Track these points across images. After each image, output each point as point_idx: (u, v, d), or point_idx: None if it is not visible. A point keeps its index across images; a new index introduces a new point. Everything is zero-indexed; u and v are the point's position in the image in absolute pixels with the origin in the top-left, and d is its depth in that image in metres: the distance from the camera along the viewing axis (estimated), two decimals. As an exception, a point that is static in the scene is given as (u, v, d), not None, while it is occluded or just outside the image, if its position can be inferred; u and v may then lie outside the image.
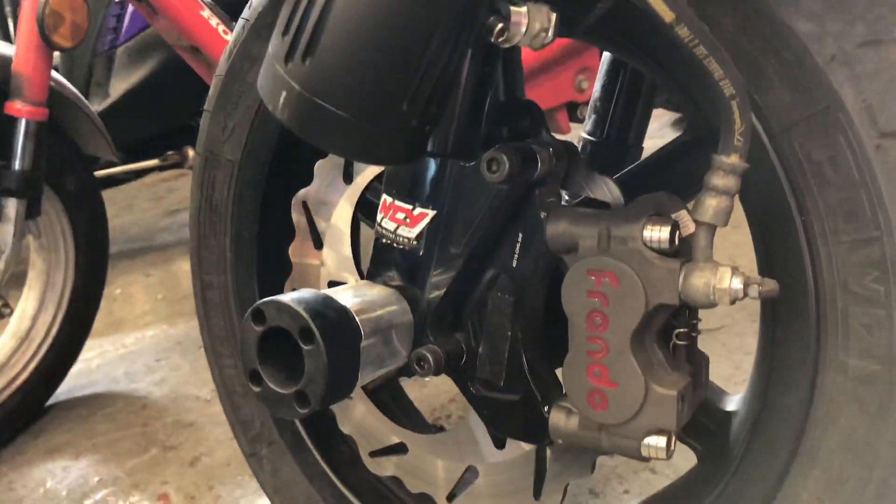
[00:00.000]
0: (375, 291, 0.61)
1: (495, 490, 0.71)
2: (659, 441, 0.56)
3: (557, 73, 1.56)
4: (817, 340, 0.55)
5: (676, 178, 0.68)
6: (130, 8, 1.96)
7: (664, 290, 0.53)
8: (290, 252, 0.81)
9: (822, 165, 0.53)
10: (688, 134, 0.66)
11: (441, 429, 0.99)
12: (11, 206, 1.33)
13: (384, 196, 0.61)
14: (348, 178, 0.75)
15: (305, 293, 0.56)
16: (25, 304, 1.54)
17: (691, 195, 0.66)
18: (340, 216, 0.76)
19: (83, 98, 1.54)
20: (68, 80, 1.48)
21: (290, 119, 0.47)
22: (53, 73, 1.41)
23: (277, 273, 0.85)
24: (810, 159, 0.53)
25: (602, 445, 0.58)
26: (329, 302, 0.56)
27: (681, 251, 0.54)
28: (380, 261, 0.63)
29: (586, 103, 2.28)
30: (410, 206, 0.60)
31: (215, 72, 0.86)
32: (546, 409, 0.60)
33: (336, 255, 0.77)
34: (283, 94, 0.46)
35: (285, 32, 0.46)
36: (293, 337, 0.54)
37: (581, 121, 2.41)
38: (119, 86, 2.06)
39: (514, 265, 0.61)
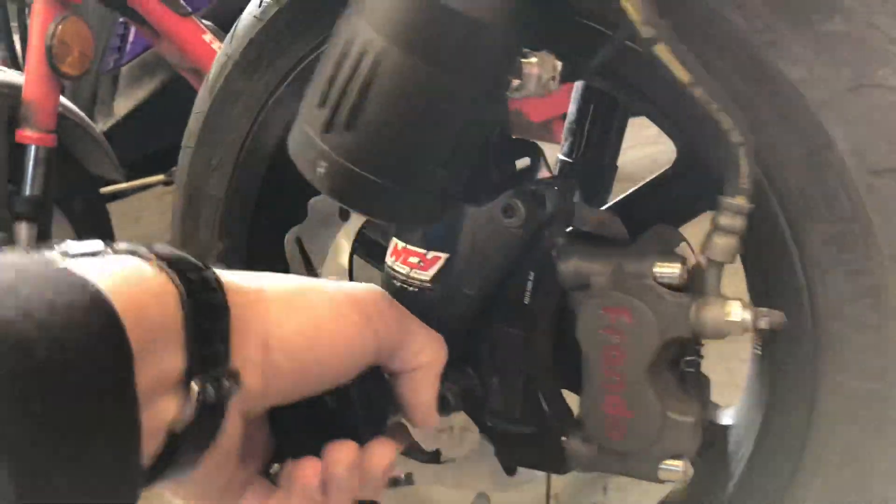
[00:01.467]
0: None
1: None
2: (675, 465, 0.59)
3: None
4: (814, 362, 0.59)
5: (666, 207, 0.71)
6: (134, 28, 1.96)
7: (677, 325, 0.56)
8: None
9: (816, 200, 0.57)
10: (676, 167, 0.70)
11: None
12: (23, 230, 1.38)
13: (395, 241, 0.61)
14: (345, 214, 0.76)
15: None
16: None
17: (679, 224, 0.70)
18: (337, 253, 0.76)
19: (90, 122, 1.59)
20: (73, 99, 1.57)
21: (331, 189, 0.47)
22: (61, 99, 1.46)
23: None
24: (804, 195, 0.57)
25: (620, 471, 0.61)
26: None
27: (689, 285, 0.57)
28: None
29: None
30: (424, 251, 0.61)
31: (194, 108, 0.86)
32: (563, 437, 0.63)
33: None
34: (324, 164, 0.47)
35: (323, 104, 0.47)
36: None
37: None
38: (124, 104, 2.07)
39: (525, 302, 0.63)
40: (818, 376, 0.59)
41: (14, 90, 1.42)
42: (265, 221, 0.85)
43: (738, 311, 0.55)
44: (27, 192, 1.40)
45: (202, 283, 0.39)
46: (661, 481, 0.60)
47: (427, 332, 0.53)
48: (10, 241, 1.42)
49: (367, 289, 0.50)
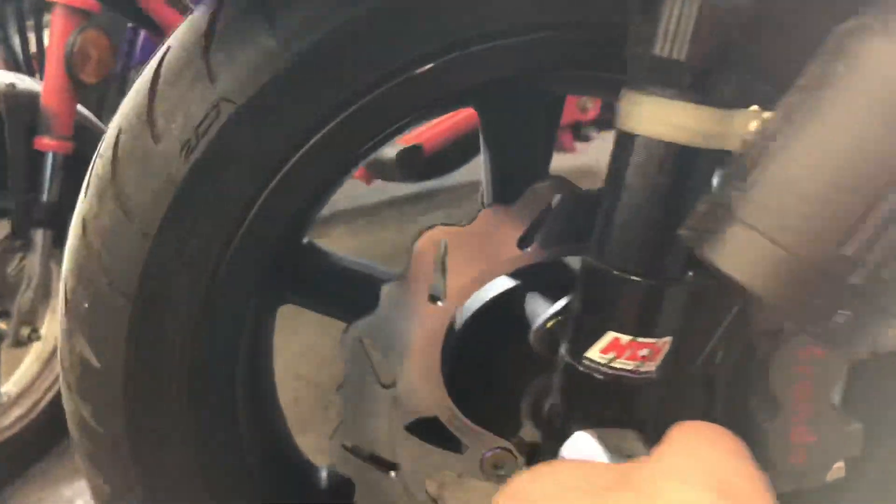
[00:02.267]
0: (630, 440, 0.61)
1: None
2: (840, 465, 0.70)
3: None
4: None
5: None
6: (143, 33, 1.98)
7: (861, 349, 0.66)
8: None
9: None
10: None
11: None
12: (39, 236, 1.43)
13: (613, 334, 0.61)
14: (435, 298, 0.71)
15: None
16: (49, 328, 1.58)
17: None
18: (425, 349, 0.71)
19: (104, 128, 1.56)
20: (82, 101, 1.54)
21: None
22: (78, 107, 1.49)
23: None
24: None
25: (790, 488, 0.71)
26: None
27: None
28: (607, 402, 0.64)
29: (590, 123, 2.47)
30: (654, 340, 0.61)
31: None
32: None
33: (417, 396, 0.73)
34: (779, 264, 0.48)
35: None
36: None
37: (586, 139, 2.61)
38: (131, 108, 1.99)
39: (716, 361, 0.70)
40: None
41: (32, 98, 1.44)
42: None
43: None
44: (45, 198, 1.43)
45: None
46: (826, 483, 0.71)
47: None
48: (28, 247, 1.48)
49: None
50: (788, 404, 0.68)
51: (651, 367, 0.64)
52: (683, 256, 0.62)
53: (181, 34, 0.67)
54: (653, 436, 0.50)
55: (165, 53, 0.67)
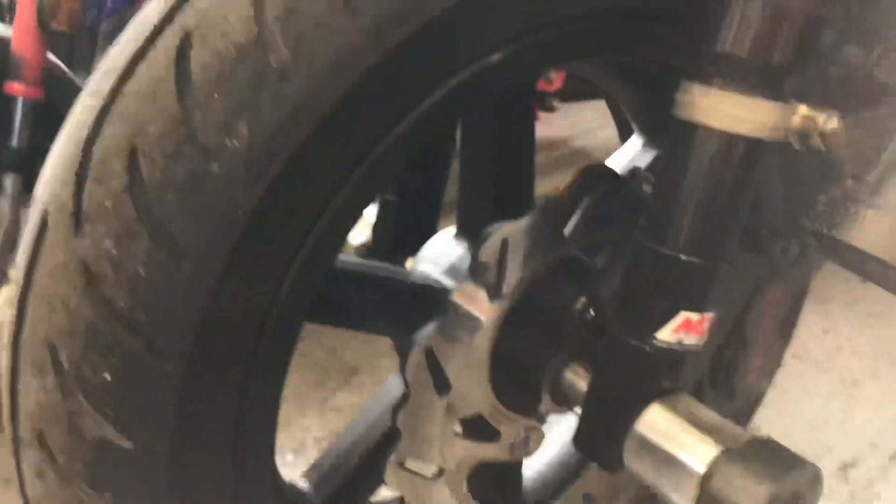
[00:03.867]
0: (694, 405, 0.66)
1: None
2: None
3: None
4: None
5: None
6: None
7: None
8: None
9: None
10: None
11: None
12: (9, 181, 1.44)
13: (686, 314, 0.65)
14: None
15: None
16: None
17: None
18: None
19: (74, 78, 1.62)
20: (53, 53, 1.54)
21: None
22: (48, 55, 1.49)
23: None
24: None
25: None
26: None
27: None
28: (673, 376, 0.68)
29: (555, 94, 2.34)
30: (712, 314, 0.66)
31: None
32: None
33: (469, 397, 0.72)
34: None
35: None
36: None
37: (551, 110, 2.48)
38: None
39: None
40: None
41: (3, 44, 1.45)
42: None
43: None
44: (14, 143, 1.45)
45: None
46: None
47: None
48: (-3, 191, 1.45)
49: None
50: (755, 341, 0.80)
51: (705, 338, 0.70)
52: (737, 239, 0.68)
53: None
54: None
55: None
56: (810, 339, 1.91)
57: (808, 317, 1.86)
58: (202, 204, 0.51)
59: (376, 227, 0.96)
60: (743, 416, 0.87)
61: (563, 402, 0.78)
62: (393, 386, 0.78)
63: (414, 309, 0.70)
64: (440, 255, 0.76)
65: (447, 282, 0.72)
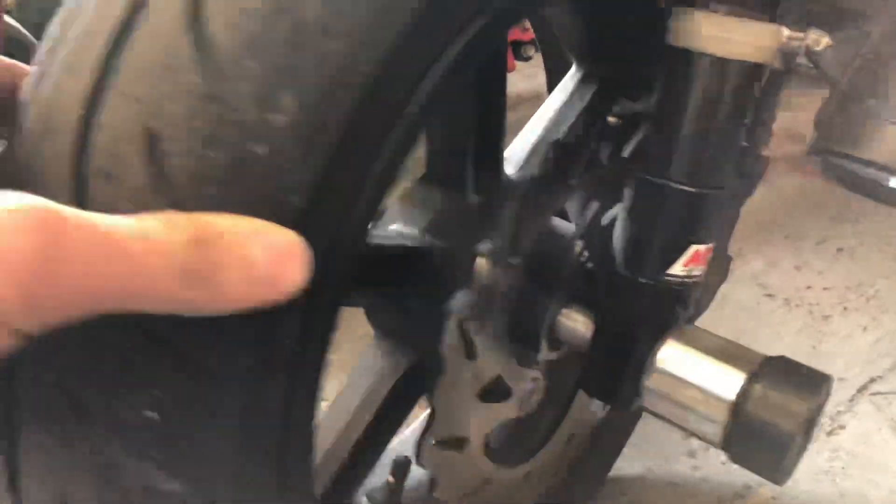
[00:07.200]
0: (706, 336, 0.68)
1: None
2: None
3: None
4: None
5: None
6: None
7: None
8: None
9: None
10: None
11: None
12: None
13: (695, 247, 0.67)
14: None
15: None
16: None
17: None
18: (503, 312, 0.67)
19: (36, 41, 1.51)
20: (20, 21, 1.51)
21: None
22: (7, 19, 1.52)
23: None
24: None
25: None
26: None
27: None
28: (680, 309, 0.69)
29: (531, 42, 1.98)
30: (714, 244, 0.69)
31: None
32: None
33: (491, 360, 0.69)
34: None
35: None
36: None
37: (526, 59, 2.11)
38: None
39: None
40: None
41: None
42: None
43: None
44: None
45: None
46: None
47: None
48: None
49: None
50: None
51: (705, 267, 0.71)
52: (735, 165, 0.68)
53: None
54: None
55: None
56: (782, 276, 1.94)
57: (780, 255, 1.98)
58: (250, 195, 0.41)
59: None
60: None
61: (559, 348, 0.76)
62: (368, 364, 0.72)
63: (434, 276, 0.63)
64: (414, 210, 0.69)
65: (439, 243, 0.66)
